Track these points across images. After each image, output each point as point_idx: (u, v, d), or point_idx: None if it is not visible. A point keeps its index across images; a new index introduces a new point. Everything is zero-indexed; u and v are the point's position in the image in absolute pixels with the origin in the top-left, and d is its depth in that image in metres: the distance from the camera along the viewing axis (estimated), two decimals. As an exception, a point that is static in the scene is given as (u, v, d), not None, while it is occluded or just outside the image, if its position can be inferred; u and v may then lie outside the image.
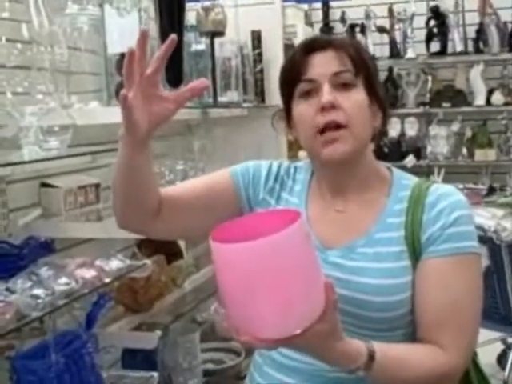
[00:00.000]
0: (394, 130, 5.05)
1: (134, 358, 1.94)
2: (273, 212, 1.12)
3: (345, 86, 1.14)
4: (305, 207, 1.23)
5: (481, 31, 4.81)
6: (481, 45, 4.82)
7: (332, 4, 5.22)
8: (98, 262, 1.67)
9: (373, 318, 1.12)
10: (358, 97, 1.14)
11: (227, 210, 1.25)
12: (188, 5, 2.13)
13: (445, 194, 1.15)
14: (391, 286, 1.12)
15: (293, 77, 1.16)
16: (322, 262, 1.13)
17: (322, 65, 1.14)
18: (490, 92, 4.86)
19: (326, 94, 1.12)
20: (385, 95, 1.24)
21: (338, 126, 1.12)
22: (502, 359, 3.27)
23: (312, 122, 1.14)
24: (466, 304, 1.12)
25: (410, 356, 1.09)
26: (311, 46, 1.15)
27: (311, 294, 0.92)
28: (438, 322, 1.11)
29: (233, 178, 1.27)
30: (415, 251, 1.13)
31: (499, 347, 3.30)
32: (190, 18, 2.33)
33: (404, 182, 1.21)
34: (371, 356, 1.02)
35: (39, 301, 1.41)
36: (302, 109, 1.16)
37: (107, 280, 1.64)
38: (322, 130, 1.13)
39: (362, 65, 1.16)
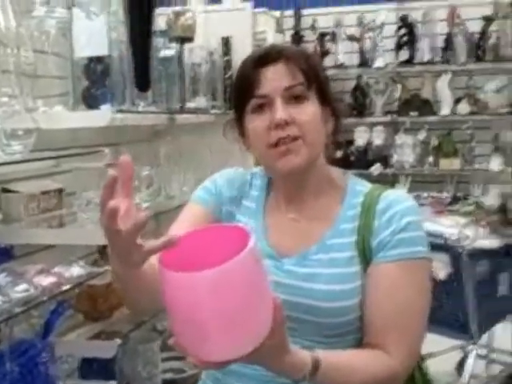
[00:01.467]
0: (361, 139, 5.09)
1: (92, 367, 1.92)
2: (225, 228, 1.08)
3: (297, 99, 1.14)
4: (262, 214, 1.24)
5: (449, 41, 4.87)
6: (448, 55, 4.89)
7: (303, 12, 5.24)
8: (57, 269, 1.66)
9: (324, 323, 1.13)
10: (310, 109, 1.15)
11: None
12: (158, 10, 2.11)
13: (396, 201, 1.16)
14: (342, 291, 1.13)
15: (245, 92, 1.16)
16: (277, 270, 1.15)
17: (274, 79, 1.13)
18: (457, 102, 4.93)
19: (280, 111, 1.12)
20: (336, 100, 1.23)
21: (292, 139, 1.13)
22: (460, 367, 3.33)
23: (265, 137, 1.14)
24: (413, 309, 1.13)
25: (355, 362, 1.10)
26: (262, 60, 1.15)
27: (259, 317, 0.92)
28: (383, 327, 1.12)
29: (202, 204, 1.26)
30: (366, 256, 1.14)
31: (458, 355, 3.36)
32: (160, 22, 2.31)
33: (358, 188, 1.22)
34: (316, 365, 1.03)
35: (-4, 309, 1.39)
36: (255, 124, 1.15)
37: (66, 287, 1.62)
38: (276, 144, 1.13)
39: (314, 76, 1.16)
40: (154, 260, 1.00)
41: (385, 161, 5.05)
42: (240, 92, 1.17)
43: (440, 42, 4.91)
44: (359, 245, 1.15)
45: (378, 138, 5.06)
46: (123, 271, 0.99)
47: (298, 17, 5.20)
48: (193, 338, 0.91)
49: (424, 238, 1.16)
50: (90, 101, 1.87)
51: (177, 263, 0.91)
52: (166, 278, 0.90)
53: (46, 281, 1.60)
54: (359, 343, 1.16)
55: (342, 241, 1.16)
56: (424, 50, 4.90)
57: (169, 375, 2.31)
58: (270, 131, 1.13)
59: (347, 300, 1.13)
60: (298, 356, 1.02)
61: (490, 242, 2.93)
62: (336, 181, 1.24)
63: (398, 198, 1.17)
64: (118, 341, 1.86)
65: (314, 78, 1.15)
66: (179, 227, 1.22)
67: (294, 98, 1.14)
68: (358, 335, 1.16)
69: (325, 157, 1.23)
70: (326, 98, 1.18)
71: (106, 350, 1.85)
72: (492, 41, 4.78)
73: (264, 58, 1.15)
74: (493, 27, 4.78)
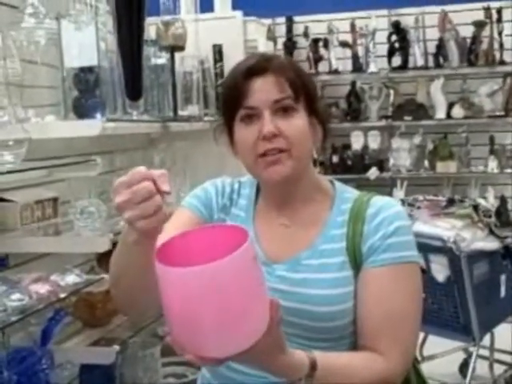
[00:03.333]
0: (357, 143, 5.11)
1: (92, 374, 1.92)
2: (222, 227, 1.11)
3: (285, 111, 1.15)
4: (252, 222, 1.25)
5: (441, 46, 4.91)
6: (441, 59, 4.92)
7: (295, 19, 5.28)
8: (53, 277, 1.66)
9: (318, 328, 1.14)
10: (298, 121, 1.16)
11: None
12: (148, 19, 2.13)
13: (384, 206, 1.18)
14: (334, 296, 1.14)
15: (234, 102, 1.17)
16: (269, 275, 1.15)
17: (262, 91, 1.14)
18: (451, 106, 4.96)
19: (267, 124, 1.13)
20: (323, 110, 1.25)
21: (278, 151, 1.14)
22: (463, 368, 3.32)
23: (253, 148, 1.15)
24: (405, 311, 1.15)
25: (350, 364, 1.11)
26: (251, 71, 1.16)
27: (256, 314, 0.93)
28: (376, 330, 1.13)
29: (193, 211, 1.27)
30: (356, 261, 1.16)
31: (461, 356, 3.35)
32: (150, 32, 2.33)
33: (346, 195, 1.24)
34: (313, 366, 1.04)
35: (-9, 317, 1.39)
36: (243, 134, 1.16)
37: (63, 295, 1.63)
38: (263, 154, 1.14)
39: (303, 88, 1.17)
40: None
41: (381, 165, 5.07)
42: (229, 102, 1.18)
43: (432, 47, 4.95)
44: (349, 250, 1.16)
45: (374, 143, 5.09)
46: (136, 252, 0.98)
47: (289, 24, 5.24)
48: (189, 335, 0.91)
49: (413, 243, 1.18)
50: (81, 110, 1.89)
51: (173, 261, 0.92)
52: (162, 272, 0.91)
53: (42, 289, 1.61)
54: (354, 347, 1.17)
55: (333, 246, 1.17)
56: (417, 55, 4.94)
57: (170, 380, 2.31)
58: (258, 142, 1.14)
59: (340, 304, 1.14)
60: (295, 357, 1.03)
61: (488, 244, 2.94)
62: (324, 188, 1.25)
63: (386, 204, 1.19)
64: (117, 347, 1.87)
65: (301, 90, 1.16)
66: (168, 233, 1.21)
67: (283, 111, 1.15)
68: (353, 339, 1.17)
69: (317, 161, 1.24)
70: (313, 108, 1.19)
71: (105, 356, 1.86)
72: (484, 45, 4.82)
73: (253, 69, 1.16)
74: (484, 32, 4.82)
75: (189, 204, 1.28)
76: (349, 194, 1.24)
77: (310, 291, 1.14)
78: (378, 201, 1.20)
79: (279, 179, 1.16)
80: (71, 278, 1.71)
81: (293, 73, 1.17)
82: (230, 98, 1.18)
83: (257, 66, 1.16)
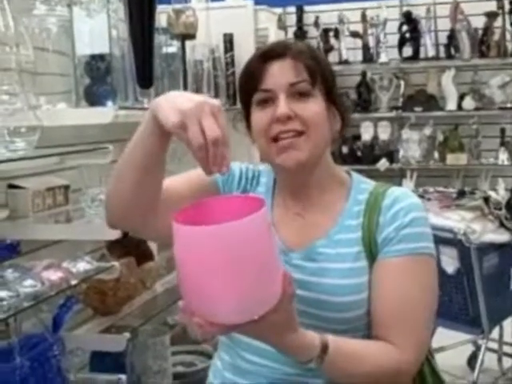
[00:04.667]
0: (367, 134, 5.09)
1: (103, 361, 1.93)
2: (239, 197, 1.12)
3: (301, 96, 1.14)
4: (269, 211, 1.24)
5: (452, 37, 4.87)
6: (452, 50, 4.89)
7: (306, 8, 5.26)
8: (65, 264, 1.66)
9: (332, 318, 1.14)
10: (314, 106, 1.15)
11: None
12: (159, 7, 2.13)
13: (401, 197, 1.17)
14: (349, 285, 1.14)
15: (250, 85, 1.17)
16: (286, 264, 1.15)
17: (279, 74, 1.14)
18: (462, 97, 4.93)
19: (282, 106, 1.12)
20: (342, 99, 1.24)
21: (295, 134, 1.13)
22: (471, 361, 3.32)
23: (266, 131, 1.14)
24: (419, 303, 1.14)
25: (363, 352, 1.11)
26: (268, 54, 1.15)
27: (268, 283, 0.93)
28: (391, 321, 1.13)
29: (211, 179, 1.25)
30: (372, 252, 1.15)
31: (470, 349, 3.34)
32: (161, 20, 2.33)
33: (362, 185, 1.23)
34: (324, 349, 1.04)
35: (4, 303, 1.40)
36: (258, 117, 1.16)
37: (74, 282, 1.63)
38: (276, 138, 1.14)
39: (320, 74, 1.16)
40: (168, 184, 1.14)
41: (391, 156, 5.05)
42: (245, 85, 1.18)
43: (443, 38, 4.91)
44: (365, 240, 1.16)
45: (384, 133, 5.07)
46: (153, 141, 1.04)
47: (300, 13, 5.21)
48: (200, 298, 0.91)
49: (429, 235, 1.17)
50: (93, 98, 1.89)
51: (190, 223, 0.92)
52: (178, 232, 0.91)
53: (54, 276, 1.61)
54: (367, 339, 1.16)
55: (349, 236, 1.17)
56: (428, 46, 4.90)
57: (179, 368, 2.32)
58: (272, 125, 1.13)
59: (355, 294, 1.14)
60: (305, 337, 1.03)
61: (498, 237, 2.93)
62: (341, 178, 1.24)
63: (402, 195, 1.18)
64: (127, 335, 1.87)
65: (319, 76, 1.16)
66: (188, 174, 1.24)
67: (299, 94, 1.14)
68: (366, 331, 1.17)
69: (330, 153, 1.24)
70: (331, 97, 1.18)
71: (115, 343, 1.87)
72: (496, 37, 4.78)
73: (270, 52, 1.16)
74: (496, 23, 4.78)
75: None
76: (366, 184, 1.23)
77: (325, 281, 1.14)
78: (395, 192, 1.19)
79: (293, 164, 1.14)
80: (82, 265, 1.71)
81: (311, 58, 1.16)
82: (247, 82, 1.18)
83: (274, 50, 1.16)
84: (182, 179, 1.24)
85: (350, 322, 1.15)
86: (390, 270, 1.14)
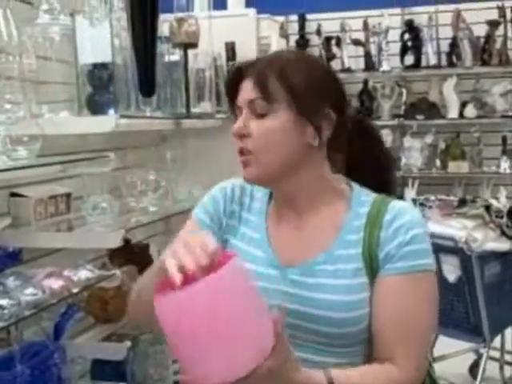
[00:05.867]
0: (368, 142, 5.09)
1: (104, 369, 1.93)
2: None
3: (259, 112, 1.15)
4: (265, 226, 1.25)
5: (454, 45, 4.88)
6: (454, 59, 4.90)
7: (308, 17, 5.27)
8: (66, 272, 1.67)
9: (331, 333, 1.14)
10: (270, 124, 1.15)
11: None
12: (161, 16, 2.13)
13: (401, 212, 1.17)
14: (348, 302, 1.13)
15: (229, 100, 1.22)
16: (282, 279, 1.16)
17: (244, 91, 1.17)
18: (463, 105, 4.93)
19: (238, 122, 1.16)
20: (323, 111, 1.18)
21: (246, 152, 1.16)
22: (473, 370, 3.31)
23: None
24: (420, 321, 1.15)
25: (366, 377, 1.12)
26: (240, 72, 1.19)
27: (255, 335, 0.92)
28: (391, 340, 1.13)
29: (200, 225, 1.27)
30: (372, 268, 1.15)
31: (471, 357, 3.34)
32: (164, 29, 2.33)
33: (363, 198, 1.22)
34: (330, 382, 1.05)
35: (5, 311, 1.40)
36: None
37: (75, 290, 1.64)
38: (239, 152, 1.17)
39: (285, 89, 1.14)
40: None
41: (393, 164, 5.05)
42: (228, 99, 1.23)
43: (445, 46, 4.92)
44: (365, 256, 1.15)
45: (386, 141, 5.06)
46: None
47: (302, 21, 5.22)
48: (191, 362, 0.91)
49: (429, 250, 1.17)
50: (95, 107, 1.90)
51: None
52: (156, 304, 0.91)
53: (55, 284, 1.62)
54: (367, 354, 1.17)
55: (349, 252, 1.16)
56: (429, 54, 4.91)
57: (180, 377, 2.31)
58: (237, 140, 1.17)
59: (355, 311, 1.14)
60: (310, 376, 1.04)
61: (500, 245, 2.92)
62: (340, 189, 1.23)
63: (403, 210, 1.18)
64: (128, 343, 1.88)
65: (281, 93, 1.14)
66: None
67: (256, 111, 1.15)
68: (365, 346, 1.17)
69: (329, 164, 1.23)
70: (300, 109, 1.14)
71: (116, 352, 1.87)
72: (498, 45, 4.79)
73: (242, 70, 1.19)
74: (498, 31, 4.79)
75: (196, 217, 1.28)
76: (366, 196, 1.22)
77: (323, 296, 1.14)
78: (396, 206, 1.18)
79: (251, 180, 1.18)
80: (84, 273, 1.72)
81: (277, 74, 1.14)
82: (228, 96, 1.23)
83: (244, 68, 1.19)
84: None
85: (348, 337, 1.15)
86: (391, 288, 1.14)
